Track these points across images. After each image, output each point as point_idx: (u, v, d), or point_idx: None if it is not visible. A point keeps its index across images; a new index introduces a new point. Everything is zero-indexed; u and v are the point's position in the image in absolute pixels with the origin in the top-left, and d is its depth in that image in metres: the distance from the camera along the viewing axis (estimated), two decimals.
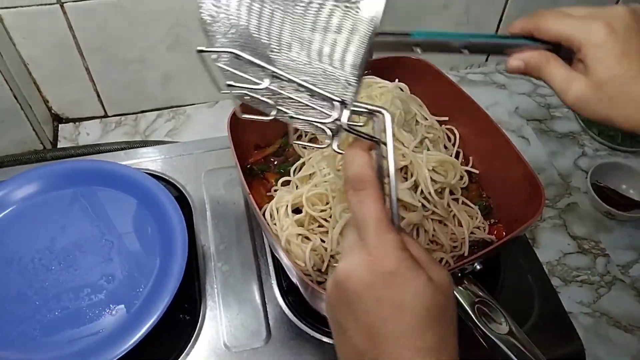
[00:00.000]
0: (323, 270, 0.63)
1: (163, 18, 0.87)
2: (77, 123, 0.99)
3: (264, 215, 0.67)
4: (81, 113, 0.98)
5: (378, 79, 0.75)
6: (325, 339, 0.68)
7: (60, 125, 0.98)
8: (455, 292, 0.58)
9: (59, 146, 0.95)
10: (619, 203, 0.88)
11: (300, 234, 0.64)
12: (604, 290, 0.80)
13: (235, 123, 0.69)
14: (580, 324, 0.75)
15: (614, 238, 0.86)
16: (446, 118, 0.78)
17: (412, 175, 0.66)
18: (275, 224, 0.66)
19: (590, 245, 0.85)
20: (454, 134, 0.77)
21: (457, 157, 0.75)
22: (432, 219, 0.66)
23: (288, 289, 0.72)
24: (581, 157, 0.97)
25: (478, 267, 0.60)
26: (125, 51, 0.90)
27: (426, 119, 0.75)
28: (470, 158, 0.77)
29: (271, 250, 0.75)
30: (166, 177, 0.83)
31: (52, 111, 0.97)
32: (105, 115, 0.99)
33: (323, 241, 0.64)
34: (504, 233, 0.70)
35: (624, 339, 0.75)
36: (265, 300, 0.71)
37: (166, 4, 0.85)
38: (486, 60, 1.11)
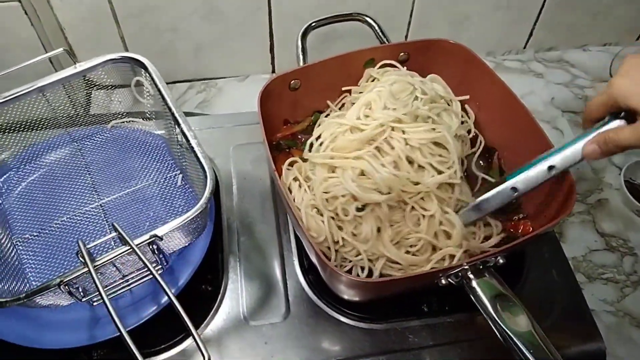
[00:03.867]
0: (337, 240, 0.64)
1: None
2: (109, 90, 0.99)
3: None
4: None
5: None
6: (343, 319, 0.68)
7: (93, 91, 0.99)
8: (475, 284, 0.58)
9: (91, 112, 0.95)
10: None
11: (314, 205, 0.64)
12: (629, 290, 0.78)
13: (266, 99, 0.69)
14: (602, 322, 0.73)
15: None
16: (467, 97, 0.76)
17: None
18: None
19: (619, 243, 0.83)
20: (467, 114, 0.76)
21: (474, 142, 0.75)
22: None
23: (309, 267, 0.72)
24: None
25: (501, 261, 0.59)
26: (159, 19, 0.90)
27: (425, 94, 0.71)
28: (497, 152, 0.75)
29: (294, 228, 0.75)
30: None
31: (85, 78, 0.97)
32: (125, 85, 1.00)
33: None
34: (531, 229, 0.68)
35: None
36: (286, 277, 0.72)
37: None
38: (524, 47, 1.09)
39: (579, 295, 0.72)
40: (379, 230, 0.64)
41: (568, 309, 0.70)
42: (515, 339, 0.53)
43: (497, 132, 0.75)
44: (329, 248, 0.64)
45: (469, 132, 0.75)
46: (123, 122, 0.80)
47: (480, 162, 0.75)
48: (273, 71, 1.04)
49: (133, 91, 0.76)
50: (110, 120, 0.81)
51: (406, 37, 1.02)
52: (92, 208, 0.73)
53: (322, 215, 0.64)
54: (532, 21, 1.03)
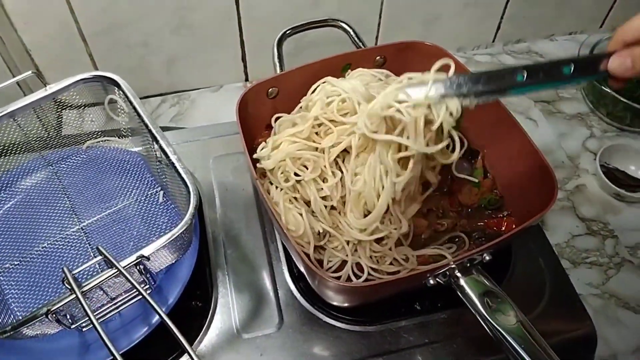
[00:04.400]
0: (318, 231, 0.64)
1: (167, 0, 0.86)
2: (80, 110, 0.98)
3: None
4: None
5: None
6: (337, 324, 0.68)
7: (64, 111, 0.97)
8: (463, 282, 0.58)
9: (63, 133, 0.94)
10: (627, 184, 0.88)
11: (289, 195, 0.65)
12: (613, 271, 0.80)
13: (244, 108, 0.68)
14: (589, 305, 0.75)
15: (623, 219, 0.86)
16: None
17: None
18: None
19: (599, 226, 0.85)
20: None
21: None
22: None
23: (299, 275, 0.72)
24: (589, 138, 0.96)
25: (487, 257, 0.59)
26: (129, 35, 0.89)
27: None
28: (480, 153, 0.76)
29: (279, 235, 0.75)
30: None
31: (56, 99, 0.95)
32: (98, 104, 0.98)
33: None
34: (514, 225, 0.69)
35: (634, 319, 0.75)
36: (277, 286, 0.71)
37: None
38: (493, 41, 1.10)
39: (566, 281, 0.73)
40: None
41: (557, 296, 0.71)
42: (505, 334, 0.53)
43: (478, 133, 0.75)
44: (309, 243, 0.64)
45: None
46: (98, 141, 0.79)
47: (464, 164, 0.75)
48: (246, 80, 1.03)
49: (107, 109, 0.74)
50: (85, 141, 0.79)
51: (377, 38, 1.02)
52: (73, 232, 0.71)
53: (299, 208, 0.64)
54: (499, 15, 1.05)
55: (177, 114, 0.99)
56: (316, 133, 0.65)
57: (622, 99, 0.92)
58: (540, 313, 0.69)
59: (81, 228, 0.72)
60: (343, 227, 0.64)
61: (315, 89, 0.68)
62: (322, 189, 0.64)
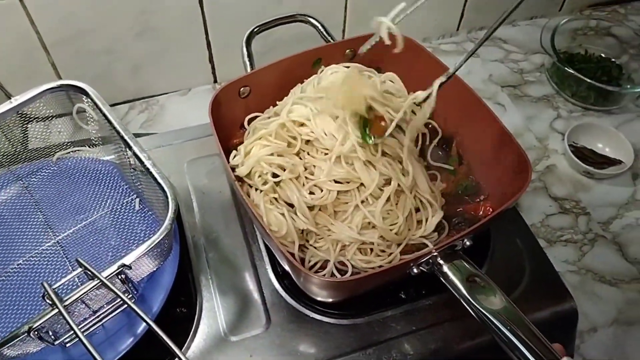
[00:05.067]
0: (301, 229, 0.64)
1: (129, 4, 0.84)
2: (46, 121, 0.95)
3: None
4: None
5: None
6: (325, 319, 0.68)
7: (30, 124, 0.94)
8: (446, 269, 0.58)
9: (30, 147, 0.91)
10: (595, 162, 0.90)
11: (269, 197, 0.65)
12: (588, 247, 0.82)
13: (216, 109, 0.68)
14: (567, 282, 0.76)
15: (593, 196, 0.88)
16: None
17: None
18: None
19: (571, 205, 0.87)
20: None
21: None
22: None
23: (284, 273, 0.72)
24: (556, 119, 0.99)
25: (468, 243, 0.60)
26: (92, 43, 0.87)
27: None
28: (455, 139, 0.77)
29: (261, 234, 0.74)
30: None
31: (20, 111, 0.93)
32: (66, 114, 0.96)
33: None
34: (491, 209, 0.69)
35: (610, 292, 0.77)
36: (262, 286, 0.71)
37: None
38: (457, 29, 1.12)
39: (545, 259, 0.75)
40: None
41: (536, 275, 0.73)
42: (491, 317, 0.54)
43: (451, 121, 0.76)
44: (293, 243, 0.64)
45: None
46: (68, 152, 0.77)
47: (439, 152, 0.76)
48: (215, 81, 1.02)
49: (75, 119, 0.73)
50: (55, 152, 0.77)
51: (343, 32, 1.03)
52: (49, 246, 0.70)
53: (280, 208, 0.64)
54: (461, 3, 1.07)
55: (146, 120, 0.97)
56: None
57: (585, 78, 0.95)
58: (522, 293, 0.70)
59: (57, 242, 0.70)
60: (335, 227, 0.64)
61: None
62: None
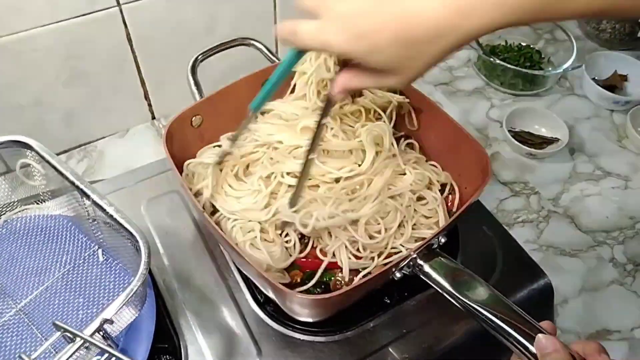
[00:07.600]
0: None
1: (54, 52, 0.80)
2: None
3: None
4: None
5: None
6: (317, 339, 0.67)
7: None
8: (428, 269, 0.59)
9: None
10: (535, 143, 0.95)
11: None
12: (543, 224, 0.86)
13: (170, 142, 0.66)
14: None
15: (539, 175, 0.93)
16: None
17: None
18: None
19: (521, 187, 0.91)
20: None
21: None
22: None
23: (265, 299, 0.70)
24: (491, 109, 1.04)
25: (443, 240, 0.61)
26: (19, 96, 0.83)
27: None
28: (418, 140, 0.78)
29: (236, 265, 0.72)
30: None
31: None
32: (9, 171, 0.90)
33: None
34: (459, 202, 0.72)
35: (572, 263, 0.82)
36: (245, 317, 0.69)
37: (54, 37, 0.79)
38: None
39: (513, 241, 0.78)
40: None
41: (508, 258, 0.75)
42: (479, 308, 0.54)
43: (413, 124, 0.78)
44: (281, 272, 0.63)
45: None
46: (15, 213, 0.72)
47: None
48: (153, 118, 0.99)
49: (19, 176, 0.68)
50: (0, 215, 0.72)
51: (276, 52, 1.03)
52: (11, 316, 0.64)
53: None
54: None
55: (87, 168, 0.92)
56: None
57: (511, 66, 1.00)
58: (499, 278, 0.72)
59: (19, 310, 0.65)
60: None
61: None
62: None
